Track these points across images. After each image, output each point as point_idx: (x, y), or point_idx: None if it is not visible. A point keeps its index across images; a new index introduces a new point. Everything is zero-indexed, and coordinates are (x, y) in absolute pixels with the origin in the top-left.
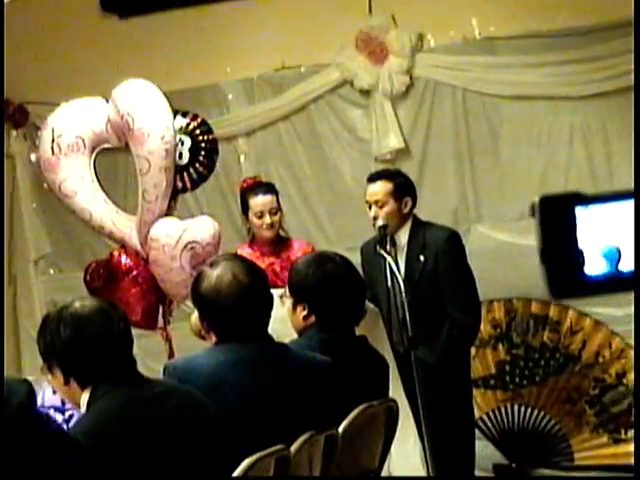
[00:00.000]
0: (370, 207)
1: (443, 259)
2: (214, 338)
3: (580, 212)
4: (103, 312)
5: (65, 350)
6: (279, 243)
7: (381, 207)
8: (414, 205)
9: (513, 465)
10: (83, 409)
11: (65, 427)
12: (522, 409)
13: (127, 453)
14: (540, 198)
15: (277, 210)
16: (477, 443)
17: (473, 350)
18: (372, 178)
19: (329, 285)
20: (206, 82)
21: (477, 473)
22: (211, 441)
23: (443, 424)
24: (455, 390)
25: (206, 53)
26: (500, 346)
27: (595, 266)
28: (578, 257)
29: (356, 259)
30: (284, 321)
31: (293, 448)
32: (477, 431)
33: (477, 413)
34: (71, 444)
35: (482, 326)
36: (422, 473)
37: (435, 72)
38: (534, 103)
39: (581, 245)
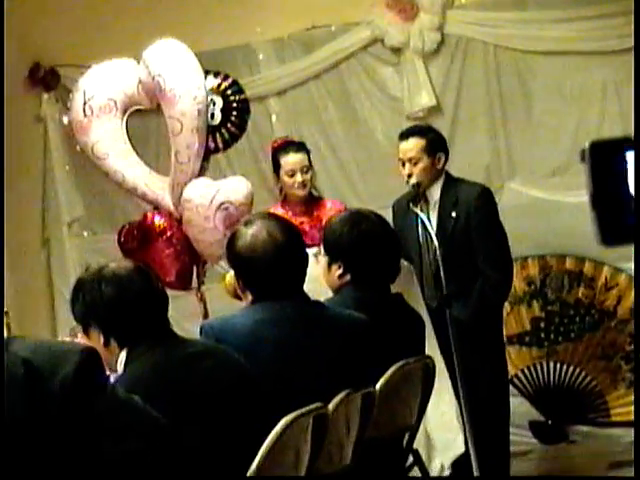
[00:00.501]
0: (403, 164)
1: (475, 215)
2: (250, 297)
3: (631, 156)
4: (141, 271)
5: (108, 309)
6: (311, 202)
7: (415, 164)
8: (446, 160)
9: (549, 422)
10: (120, 369)
11: None
12: (557, 366)
13: (163, 413)
14: (590, 143)
15: (308, 169)
16: (513, 400)
17: (508, 307)
18: (404, 135)
19: (364, 244)
20: (237, 42)
21: (513, 430)
22: (247, 401)
23: (477, 381)
24: (488, 347)
25: (237, 13)
26: (535, 303)
27: None
28: (630, 202)
29: (388, 218)
30: (318, 280)
31: (330, 406)
32: (513, 388)
33: (512, 370)
34: (118, 427)
35: (516, 283)
36: (457, 431)
37: (466, 29)
38: (566, 58)
39: (632, 190)
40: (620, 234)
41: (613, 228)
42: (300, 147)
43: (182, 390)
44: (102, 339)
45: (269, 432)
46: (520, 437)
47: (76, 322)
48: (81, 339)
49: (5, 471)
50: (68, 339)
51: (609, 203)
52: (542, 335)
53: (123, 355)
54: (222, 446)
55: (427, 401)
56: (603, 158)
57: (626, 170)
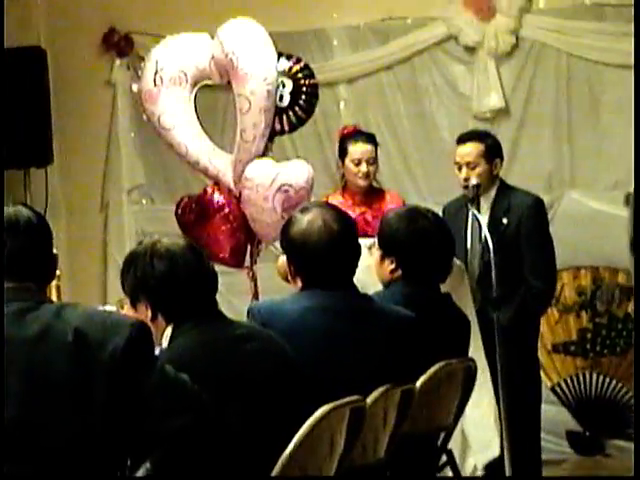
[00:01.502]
0: (460, 168)
1: (526, 224)
2: (300, 283)
3: None
4: (194, 249)
5: (159, 284)
6: (371, 193)
7: (472, 168)
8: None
9: (586, 433)
10: (165, 344)
11: None
12: (600, 378)
13: (205, 391)
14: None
15: (374, 161)
16: (552, 408)
17: (556, 315)
18: (462, 139)
19: (419, 241)
20: (312, 26)
21: (550, 438)
22: (288, 386)
23: (512, 386)
24: (523, 354)
25: None
26: (584, 313)
27: None
28: None
29: None
30: (370, 271)
31: (369, 400)
32: (553, 396)
33: (555, 378)
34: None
35: (567, 292)
36: (494, 434)
37: (541, 34)
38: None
39: None
40: None
41: None
42: (370, 138)
43: (225, 370)
44: (150, 313)
45: (306, 420)
46: (556, 445)
47: (125, 294)
48: (128, 311)
49: (44, 434)
50: (113, 309)
51: None
52: (588, 346)
53: (169, 330)
54: (260, 429)
55: (466, 403)
56: None
57: None
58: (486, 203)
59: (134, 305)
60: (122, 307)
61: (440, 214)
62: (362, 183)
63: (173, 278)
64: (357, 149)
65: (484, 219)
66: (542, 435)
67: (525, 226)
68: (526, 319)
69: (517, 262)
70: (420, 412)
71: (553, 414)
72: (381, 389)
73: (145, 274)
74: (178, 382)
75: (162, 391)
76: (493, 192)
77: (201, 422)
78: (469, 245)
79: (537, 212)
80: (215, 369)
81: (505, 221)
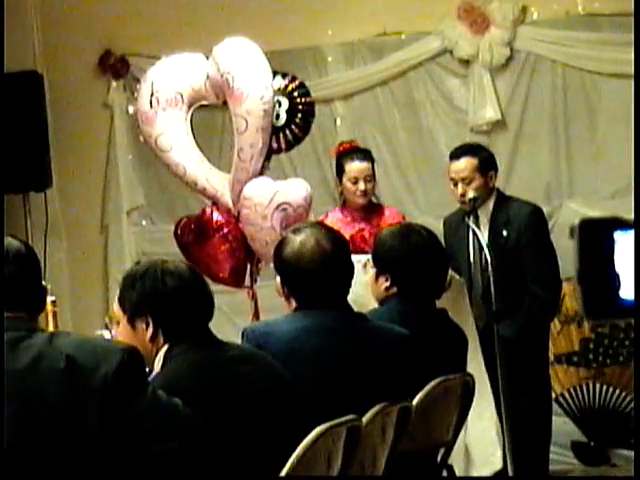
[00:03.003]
0: (456, 184)
1: (526, 234)
2: (294, 304)
3: (619, 236)
4: (196, 272)
5: (168, 299)
6: (371, 209)
7: (468, 183)
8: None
9: (592, 443)
10: (157, 367)
11: None
12: (604, 388)
13: (199, 413)
14: (580, 221)
15: (372, 178)
16: (556, 419)
17: (558, 326)
18: (455, 155)
19: (413, 258)
20: (307, 44)
21: (555, 449)
22: (282, 408)
23: (519, 399)
24: (532, 365)
25: (308, 15)
26: (585, 323)
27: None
28: (614, 281)
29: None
30: (367, 287)
31: (366, 418)
32: (557, 407)
33: (558, 389)
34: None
35: (568, 302)
36: (497, 448)
37: (536, 45)
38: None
39: (618, 269)
40: (604, 311)
41: (597, 304)
42: (366, 155)
43: (220, 392)
44: (151, 330)
45: (301, 441)
46: (561, 457)
47: (122, 310)
48: (115, 331)
49: (38, 461)
50: (104, 332)
51: (595, 280)
52: (590, 356)
53: (162, 353)
54: (254, 451)
55: (465, 418)
56: (592, 236)
57: (613, 249)
58: (485, 216)
59: (132, 322)
60: (117, 323)
61: (441, 227)
62: (360, 201)
63: (182, 296)
64: (354, 167)
65: (484, 232)
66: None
67: (525, 236)
68: (534, 330)
69: (521, 273)
70: (418, 429)
71: (558, 425)
72: (378, 407)
73: (155, 290)
74: (170, 405)
75: (154, 415)
76: (491, 204)
77: (193, 445)
78: (472, 259)
79: (536, 221)
80: (210, 391)
81: (505, 233)
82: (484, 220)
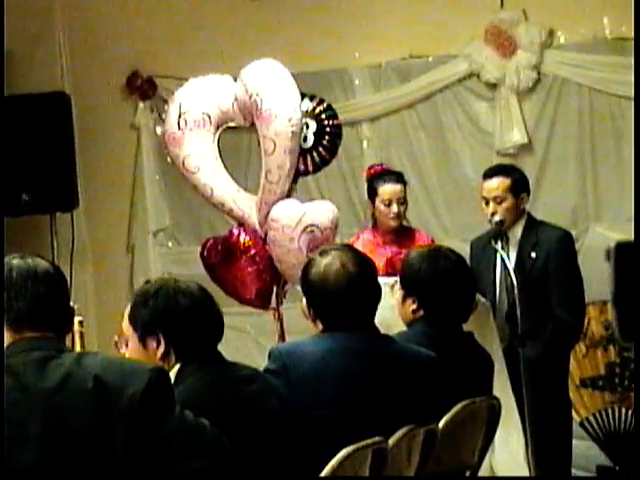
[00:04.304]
0: (487, 203)
1: (554, 258)
2: (320, 326)
3: None
4: (207, 292)
5: (182, 318)
6: (402, 232)
7: (499, 203)
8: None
9: (617, 468)
10: None
11: None
12: (629, 412)
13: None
14: (616, 244)
15: (404, 200)
16: (581, 443)
17: (584, 349)
18: (489, 174)
19: (441, 282)
20: (334, 66)
21: (580, 473)
22: (286, 426)
23: (542, 422)
24: (553, 389)
25: (335, 37)
26: (611, 347)
27: None
28: None
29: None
30: (394, 309)
31: (392, 441)
32: (582, 431)
33: (583, 413)
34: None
35: (594, 326)
36: (524, 469)
37: (563, 69)
38: None
39: None
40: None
41: (632, 327)
42: (399, 178)
43: (232, 411)
44: (162, 349)
45: (324, 463)
46: None
47: (133, 328)
48: (124, 349)
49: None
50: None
51: (631, 303)
52: (616, 380)
53: (173, 372)
54: (264, 467)
55: (490, 441)
56: (627, 259)
57: None
58: (514, 238)
59: (143, 340)
60: (126, 343)
61: (467, 250)
62: (393, 223)
63: (195, 315)
64: (387, 189)
65: (512, 254)
66: (572, 471)
67: (553, 260)
68: (555, 353)
69: (546, 296)
70: (444, 452)
71: (583, 449)
72: (404, 430)
73: (168, 308)
74: (197, 426)
75: (182, 435)
76: (520, 227)
77: (221, 465)
78: (497, 281)
79: (566, 246)
80: (224, 409)
81: (534, 255)
82: (513, 241)
